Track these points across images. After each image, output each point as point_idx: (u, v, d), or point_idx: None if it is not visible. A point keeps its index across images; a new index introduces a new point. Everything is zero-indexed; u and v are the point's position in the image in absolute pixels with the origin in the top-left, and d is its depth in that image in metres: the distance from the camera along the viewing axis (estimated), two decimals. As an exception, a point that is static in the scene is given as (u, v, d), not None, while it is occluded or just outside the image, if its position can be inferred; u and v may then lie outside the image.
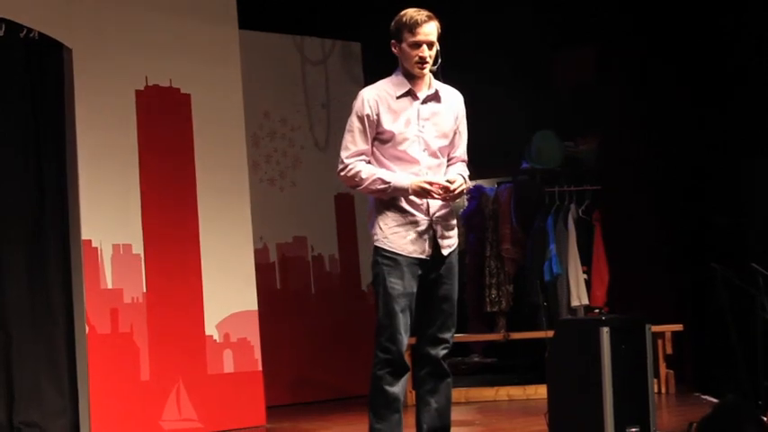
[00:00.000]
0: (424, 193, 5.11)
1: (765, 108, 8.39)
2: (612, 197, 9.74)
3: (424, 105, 5.23)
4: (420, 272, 5.17)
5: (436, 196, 5.13)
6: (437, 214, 5.23)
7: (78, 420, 7.54)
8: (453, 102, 5.35)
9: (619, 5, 9.61)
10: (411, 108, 5.21)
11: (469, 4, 9.53)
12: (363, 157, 5.18)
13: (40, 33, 7.59)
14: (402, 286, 5.12)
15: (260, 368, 8.22)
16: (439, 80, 5.34)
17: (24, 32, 7.56)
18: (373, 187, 5.15)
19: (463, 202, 10.37)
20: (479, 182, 10.26)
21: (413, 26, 5.12)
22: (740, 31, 8.59)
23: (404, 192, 5.13)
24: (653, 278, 9.45)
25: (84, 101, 7.64)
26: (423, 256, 5.18)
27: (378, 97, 5.18)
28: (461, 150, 5.39)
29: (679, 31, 9.18)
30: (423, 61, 5.15)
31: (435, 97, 5.27)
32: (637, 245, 9.53)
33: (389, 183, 5.12)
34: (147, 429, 7.67)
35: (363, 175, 5.14)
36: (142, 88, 7.93)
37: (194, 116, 8.14)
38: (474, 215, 10.17)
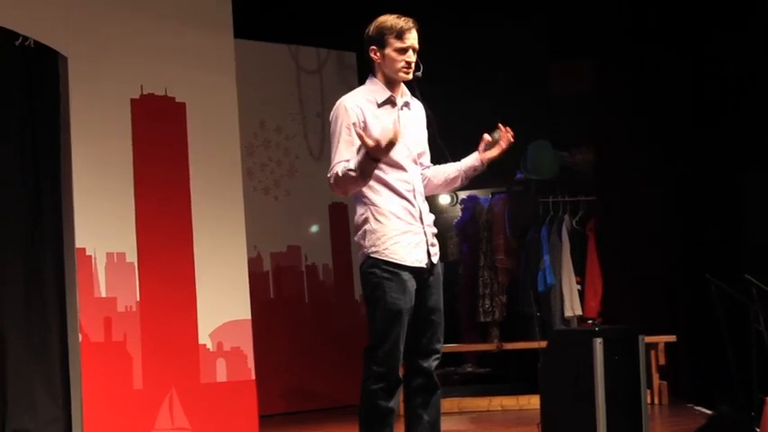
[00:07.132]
0: (389, 145, 4.74)
1: (760, 122, 8.41)
2: (607, 208, 9.75)
3: (402, 112, 5.17)
4: (416, 285, 5.09)
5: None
6: (426, 222, 5.18)
7: (71, 428, 7.53)
8: (420, 110, 5.31)
9: (616, 17, 9.62)
10: (393, 115, 5.12)
11: (466, 15, 9.55)
12: None
13: (35, 41, 7.59)
14: (404, 302, 5.02)
15: (253, 377, 8.21)
16: (415, 90, 5.26)
17: (20, 41, 7.56)
18: (350, 178, 4.87)
19: (456, 211, 10.40)
20: (474, 192, 10.27)
21: (401, 32, 5.06)
22: (737, 46, 8.61)
23: (367, 163, 4.80)
24: (646, 289, 9.46)
25: (79, 109, 7.63)
26: (422, 265, 5.10)
27: (361, 104, 5.07)
28: (429, 158, 5.34)
29: (675, 44, 9.19)
30: (409, 66, 5.09)
31: (407, 105, 5.22)
32: (631, 256, 9.53)
33: (353, 166, 4.83)
34: (139, 438, 7.67)
35: (340, 173, 4.89)
36: (137, 97, 7.93)
37: (189, 125, 8.12)
38: (468, 225, 10.19)
